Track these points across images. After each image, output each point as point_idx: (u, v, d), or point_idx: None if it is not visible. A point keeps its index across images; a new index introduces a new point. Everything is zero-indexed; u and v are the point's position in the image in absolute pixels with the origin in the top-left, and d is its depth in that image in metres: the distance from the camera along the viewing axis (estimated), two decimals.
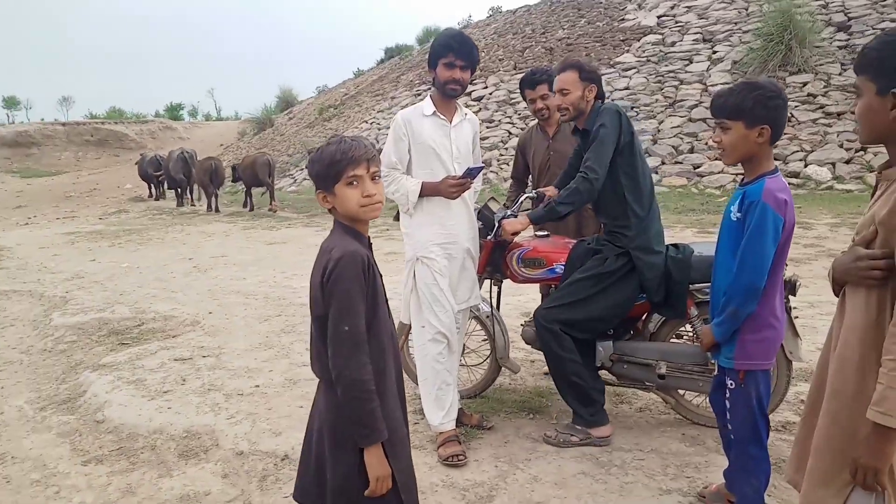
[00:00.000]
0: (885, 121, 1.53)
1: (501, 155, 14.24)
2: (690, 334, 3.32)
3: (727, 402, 2.37)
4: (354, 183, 1.84)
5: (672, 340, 3.33)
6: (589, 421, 3.19)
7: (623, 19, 18.04)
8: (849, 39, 12.83)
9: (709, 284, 3.01)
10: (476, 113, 14.94)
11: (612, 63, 15.68)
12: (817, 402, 1.73)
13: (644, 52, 15.63)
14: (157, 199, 19.31)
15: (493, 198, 3.63)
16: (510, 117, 15.64)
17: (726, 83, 13.08)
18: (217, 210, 15.46)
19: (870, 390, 1.52)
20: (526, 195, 3.64)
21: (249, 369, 4.51)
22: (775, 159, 2.33)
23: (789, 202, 2.19)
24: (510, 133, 14.96)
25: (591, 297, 3.13)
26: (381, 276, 1.91)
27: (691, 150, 12.06)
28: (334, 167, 1.84)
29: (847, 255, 1.64)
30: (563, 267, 3.30)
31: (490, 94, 16.90)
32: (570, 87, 3.16)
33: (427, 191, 3.15)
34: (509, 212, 3.48)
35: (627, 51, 16.02)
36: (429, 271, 3.16)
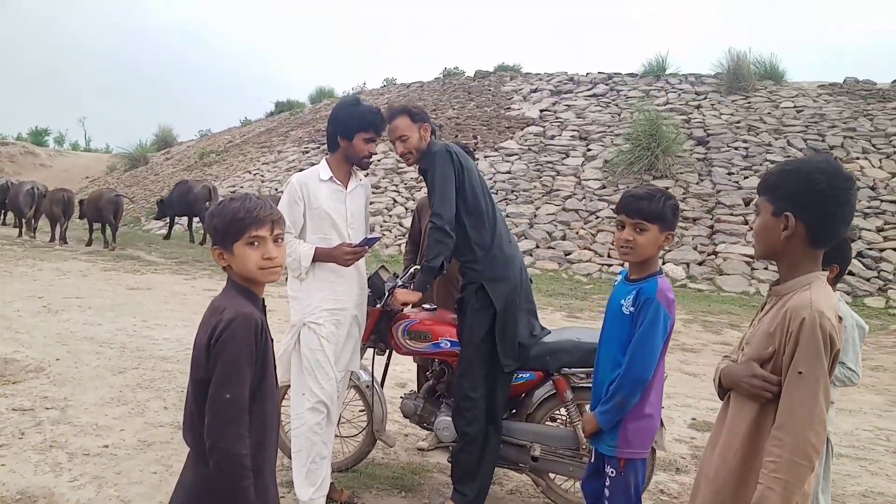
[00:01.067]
0: (776, 239, 1.70)
1: (385, 222, 14.36)
2: (565, 418, 3.42)
3: (606, 490, 2.43)
4: (256, 244, 1.78)
5: (546, 423, 3.41)
6: (469, 500, 3.16)
7: (509, 108, 19.07)
8: (706, 153, 14.26)
9: (585, 370, 3.15)
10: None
11: (496, 147, 16.46)
12: (697, 496, 1.82)
13: (526, 141, 16.55)
14: (8, 227, 17.76)
15: (383, 266, 3.65)
16: (396, 186, 15.90)
17: (598, 179, 14.12)
18: (65, 241, 14.56)
19: (749, 490, 1.62)
20: (415, 266, 3.68)
21: (98, 426, 4.13)
22: None
23: (674, 301, 2.36)
24: (395, 201, 15.17)
25: (482, 342, 3.14)
26: (272, 341, 1.85)
27: (563, 238, 12.73)
28: (236, 224, 1.77)
29: (742, 368, 1.75)
30: (447, 342, 3.34)
31: (378, 161, 17.12)
32: (406, 132, 3.22)
33: (320, 257, 3.10)
34: (399, 281, 3.50)
35: (511, 138, 16.89)
36: (315, 337, 3.09)
